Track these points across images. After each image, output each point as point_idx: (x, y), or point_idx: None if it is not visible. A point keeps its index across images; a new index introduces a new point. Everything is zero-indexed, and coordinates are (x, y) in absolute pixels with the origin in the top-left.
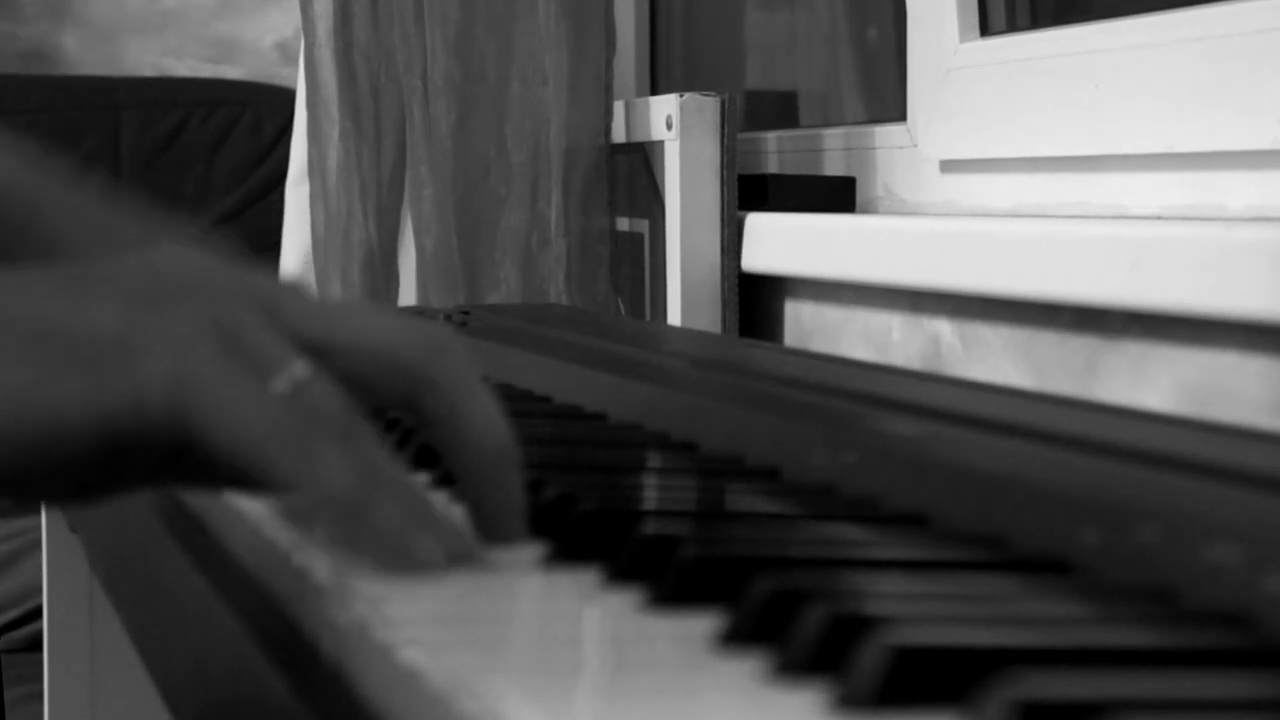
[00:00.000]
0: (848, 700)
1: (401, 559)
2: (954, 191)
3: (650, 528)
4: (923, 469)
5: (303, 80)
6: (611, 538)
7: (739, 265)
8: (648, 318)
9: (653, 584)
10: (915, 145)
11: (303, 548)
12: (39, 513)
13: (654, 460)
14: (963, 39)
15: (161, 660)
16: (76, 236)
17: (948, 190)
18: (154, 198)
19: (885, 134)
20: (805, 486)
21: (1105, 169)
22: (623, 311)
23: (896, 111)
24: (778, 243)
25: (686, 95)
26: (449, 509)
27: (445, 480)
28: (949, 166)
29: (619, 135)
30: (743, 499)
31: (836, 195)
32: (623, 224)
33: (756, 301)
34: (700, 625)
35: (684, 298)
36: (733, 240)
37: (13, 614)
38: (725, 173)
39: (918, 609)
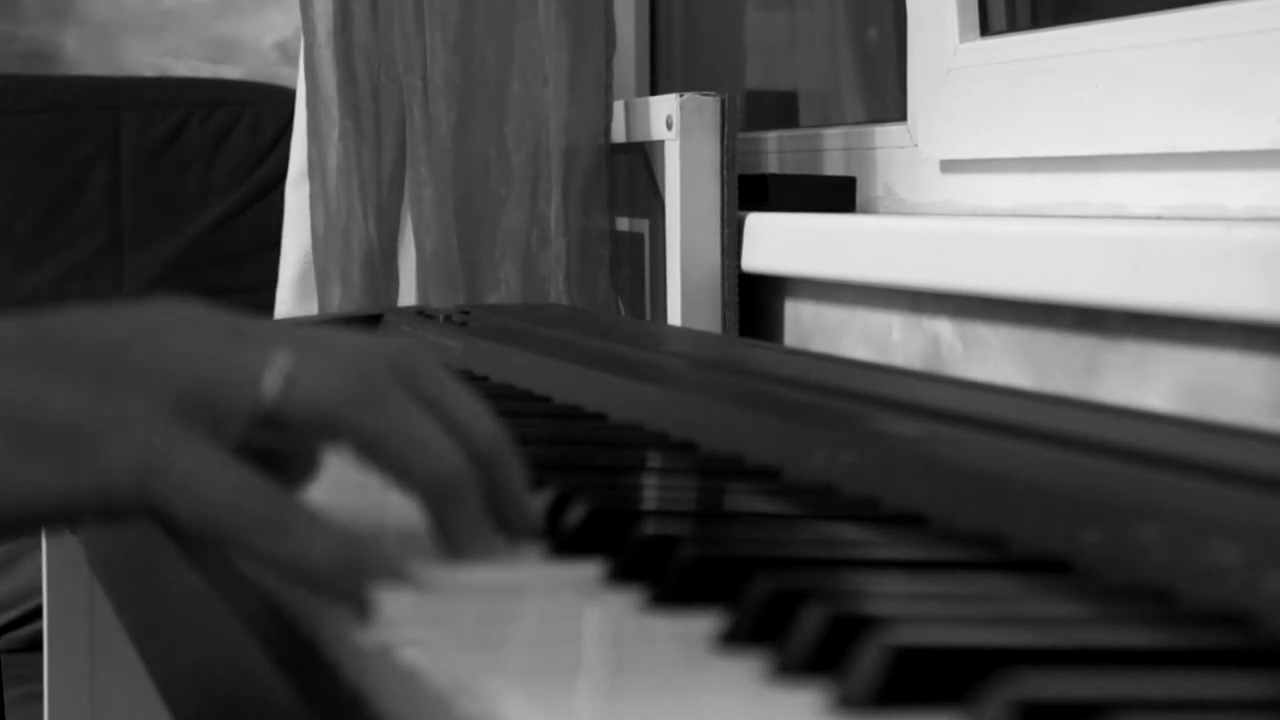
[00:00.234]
0: (847, 700)
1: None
2: (954, 191)
3: (650, 528)
4: (923, 469)
5: (303, 80)
6: (611, 538)
7: (739, 265)
8: (648, 318)
9: (653, 584)
10: (915, 145)
11: None
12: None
13: (654, 460)
14: (963, 39)
15: (161, 660)
16: None
17: (948, 190)
18: (154, 198)
19: (885, 134)
20: (805, 486)
21: (1105, 169)
22: (623, 311)
23: (896, 111)
24: (778, 243)
25: (686, 95)
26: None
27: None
28: (949, 166)
29: (619, 135)
30: (743, 499)
31: (836, 195)
32: (623, 224)
33: (756, 301)
34: (700, 625)
35: (684, 298)
36: (733, 240)
37: (13, 614)
38: (725, 173)
39: (917, 609)
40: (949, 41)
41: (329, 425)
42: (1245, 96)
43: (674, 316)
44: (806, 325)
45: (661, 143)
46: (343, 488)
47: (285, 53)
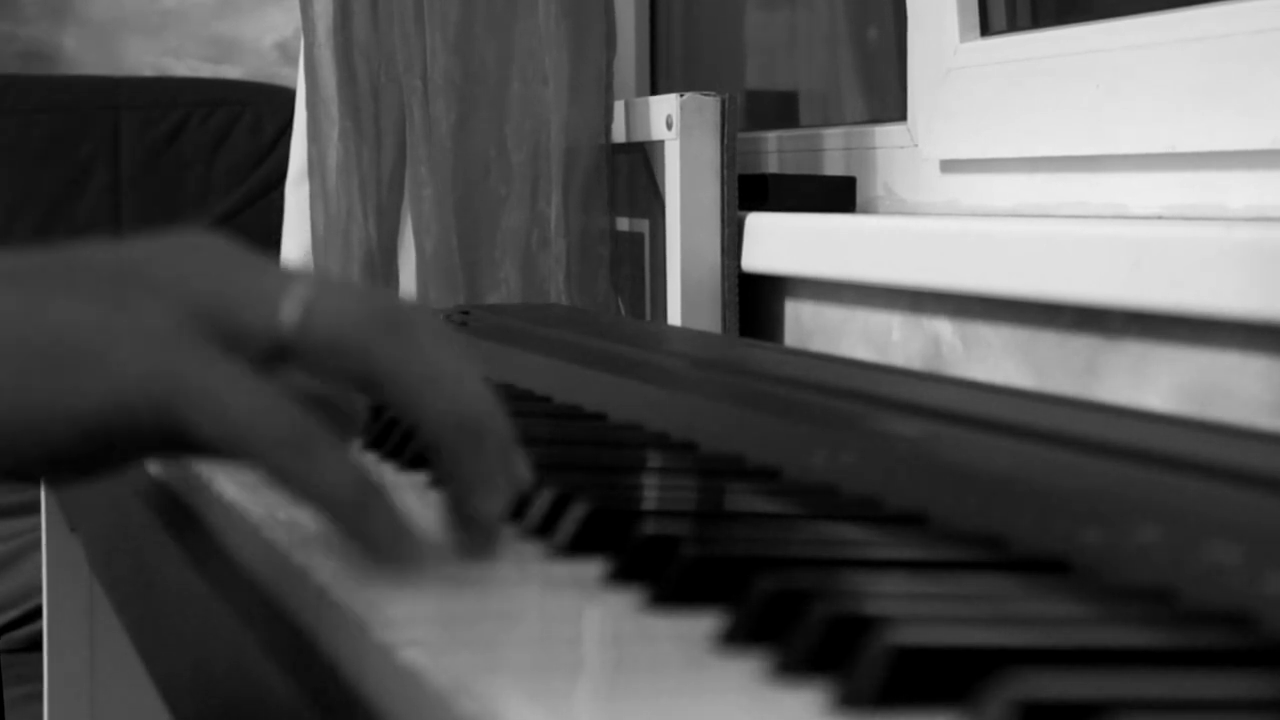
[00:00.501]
0: (848, 700)
1: (395, 557)
2: (954, 191)
3: (650, 528)
4: (923, 469)
5: (303, 80)
6: (612, 537)
7: (739, 265)
8: (648, 318)
9: (653, 584)
10: (915, 145)
11: (303, 548)
12: (37, 490)
13: (654, 460)
14: (963, 39)
15: (161, 660)
16: None
17: (948, 190)
18: (154, 198)
19: (885, 134)
20: (805, 486)
21: (1105, 169)
22: (623, 311)
23: (897, 111)
24: (778, 243)
25: (686, 95)
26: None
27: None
28: (949, 166)
29: (619, 135)
30: (743, 499)
31: (837, 195)
32: (623, 224)
33: (756, 301)
34: (701, 625)
35: (684, 298)
36: (733, 240)
37: (13, 614)
38: (725, 172)
39: (918, 609)
40: (949, 41)
41: (349, 356)
42: (1245, 96)
43: (674, 316)
44: (806, 325)
45: (661, 143)
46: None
47: (285, 53)
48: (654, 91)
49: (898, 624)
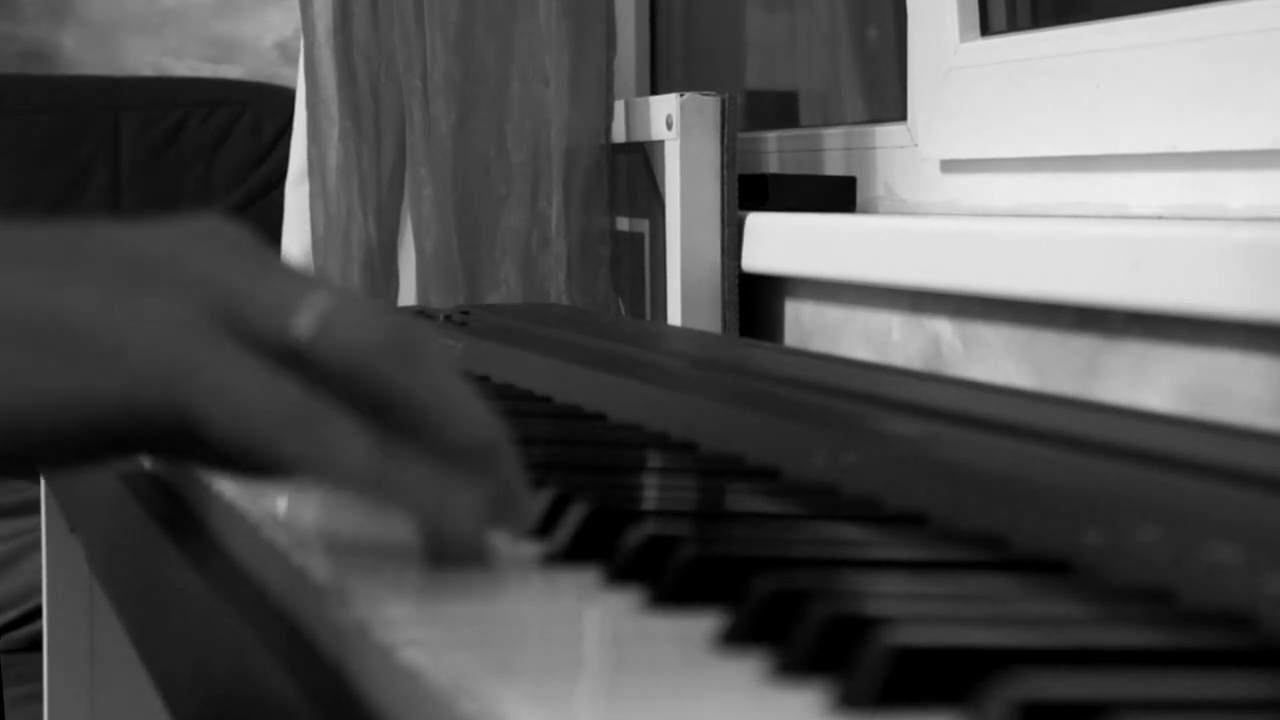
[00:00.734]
0: (848, 700)
1: (438, 517)
2: (954, 191)
3: (650, 528)
4: (923, 469)
5: (302, 80)
6: (611, 537)
7: (739, 265)
8: (648, 318)
9: (653, 584)
10: (915, 145)
11: (302, 548)
12: (36, 490)
13: (654, 460)
14: (963, 39)
15: (161, 660)
16: None
17: (948, 190)
18: (154, 198)
19: (885, 134)
20: (805, 486)
21: (1105, 169)
22: (623, 311)
23: (897, 111)
24: (778, 243)
25: (686, 95)
26: None
27: None
28: (949, 166)
29: (619, 135)
30: (743, 499)
31: (837, 195)
32: (623, 224)
33: (756, 301)
34: (701, 625)
35: (684, 298)
36: (733, 240)
37: (13, 614)
38: (725, 172)
39: (918, 609)
40: (949, 41)
41: (360, 373)
42: (1245, 96)
43: (674, 316)
44: (806, 325)
45: (661, 143)
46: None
47: (285, 52)
48: (654, 91)
49: (898, 624)
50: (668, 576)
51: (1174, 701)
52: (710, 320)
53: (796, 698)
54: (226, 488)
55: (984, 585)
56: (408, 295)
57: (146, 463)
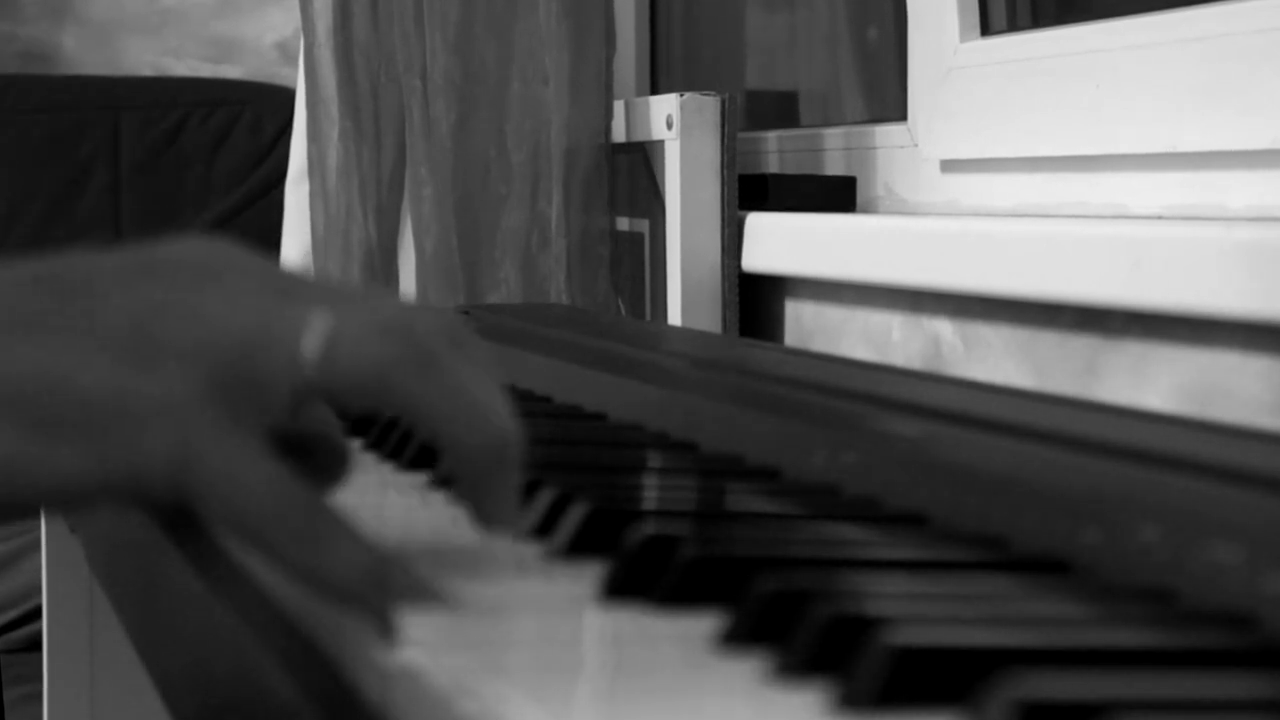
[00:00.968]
0: (849, 700)
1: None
2: (955, 191)
3: (650, 528)
4: (923, 469)
5: (302, 80)
6: (611, 538)
7: (739, 265)
8: (648, 318)
9: (653, 584)
10: (916, 145)
11: None
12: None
13: (654, 460)
14: (963, 38)
15: (161, 660)
16: None
17: (948, 190)
18: (154, 198)
19: (885, 133)
20: (805, 486)
21: (1105, 169)
22: (623, 311)
23: (897, 111)
24: (778, 243)
25: (686, 95)
26: (452, 509)
27: (445, 481)
28: (949, 166)
29: (619, 135)
30: (743, 499)
31: (837, 195)
32: (623, 224)
33: (756, 301)
34: (701, 625)
35: (684, 298)
36: (733, 240)
37: (13, 614)
38: (725, 172)
39: (918, 609)
40: (949, 41)
41: (375, 391)
42: (1245, 96)
43: (674, 316)
44: (806, 325)
45: (661, 142)
46: (365, 493)
47: (285, 52)
48: (654, 91)
49: (898, 624)
50: (668, 577)
51: (1174, 701)
52: (710, 320)
53: (797, 698)
54: None
55: (984, 585)
56: (407, 295)
57: None
